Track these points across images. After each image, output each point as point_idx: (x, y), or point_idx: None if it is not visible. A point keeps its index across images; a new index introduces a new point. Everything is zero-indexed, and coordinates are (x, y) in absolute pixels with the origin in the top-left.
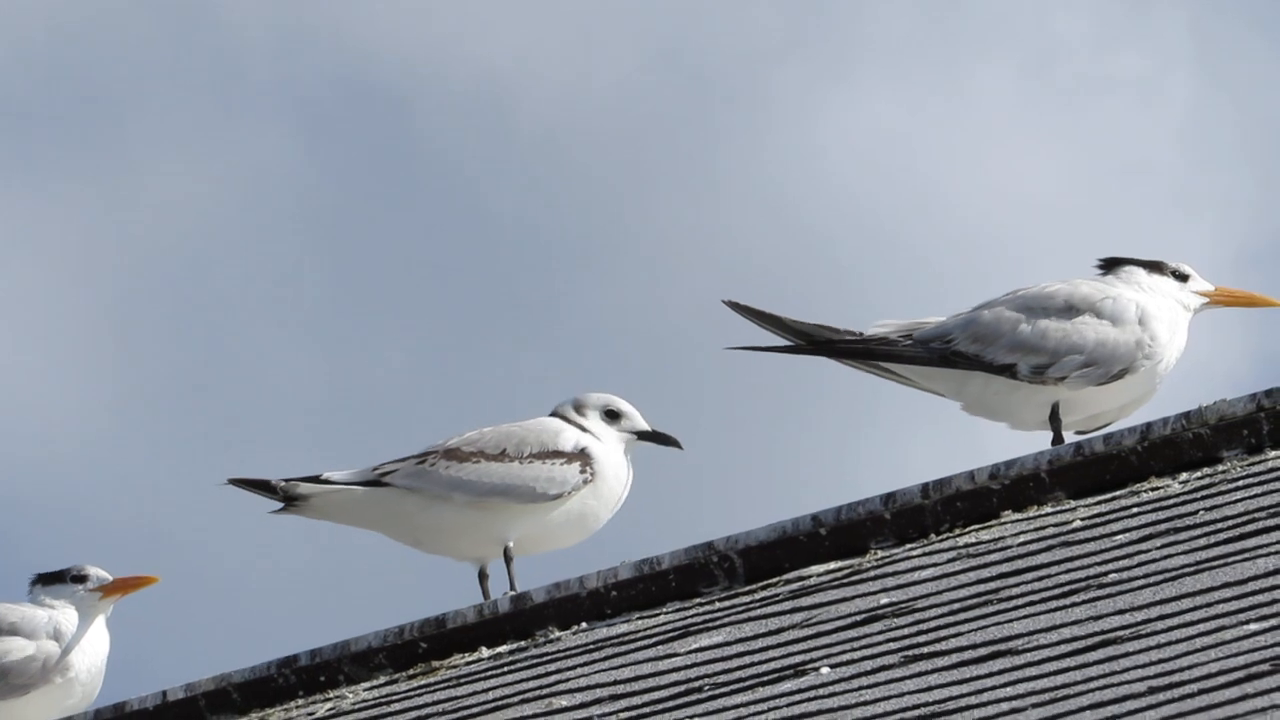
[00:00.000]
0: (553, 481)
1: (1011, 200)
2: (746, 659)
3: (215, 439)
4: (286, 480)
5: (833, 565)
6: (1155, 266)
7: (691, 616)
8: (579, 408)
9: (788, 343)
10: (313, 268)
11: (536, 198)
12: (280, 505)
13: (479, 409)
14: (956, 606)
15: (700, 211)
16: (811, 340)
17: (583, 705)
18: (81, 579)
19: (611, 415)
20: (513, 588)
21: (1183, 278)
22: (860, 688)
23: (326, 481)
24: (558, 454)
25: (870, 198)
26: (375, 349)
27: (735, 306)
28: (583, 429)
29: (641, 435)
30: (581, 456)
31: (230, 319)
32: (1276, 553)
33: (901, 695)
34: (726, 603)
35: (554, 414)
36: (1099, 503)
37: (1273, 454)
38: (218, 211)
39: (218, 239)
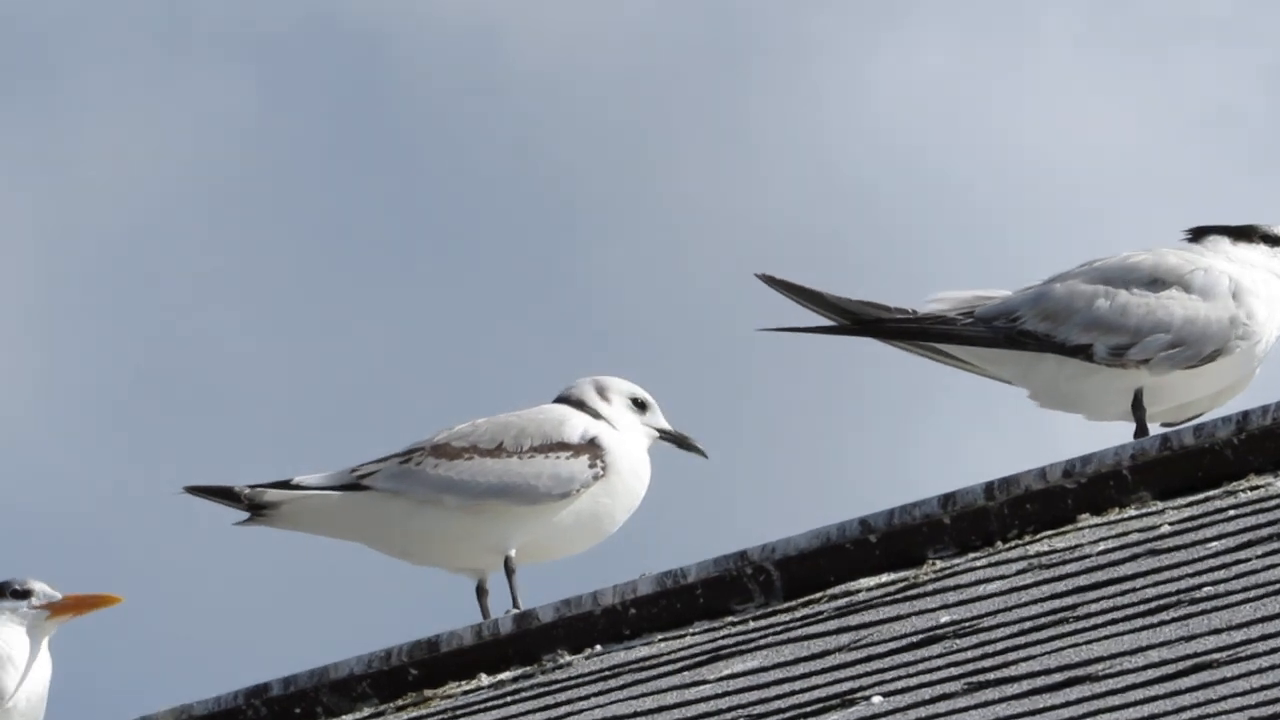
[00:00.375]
0: (558, 478)
1: (1083, 154)
2: (786, 687)
3: (164, 438)
4: (252, 487)
5: (884, 578)
6: (1244, 233)
7: (722, 638)
8: (602, 391)
9: (830, 322)
10: (275, 237)
11: (537, 155)
12: (245, 515)
13: (472, 401)
14: (1027, 625)
15: (731, 172)
16: (857, 319)
17: None
18: (23, 594)
19: (638, 405)
20: (515, 604)
21: (1276, 242)
22: None
23: (298, 487)
24: (563, 446)
25: (925, 154)
26: (350, 332)
27: (770, 281)
28: (595, 415)
29: (664, 435)
30: (591, 448)
31: (179, 298)
32: None
33: None
34: (762, 622)
35: (560, 398)
36: (1190, 504)
37: None
38: (162, 172)
39: (162, 204)
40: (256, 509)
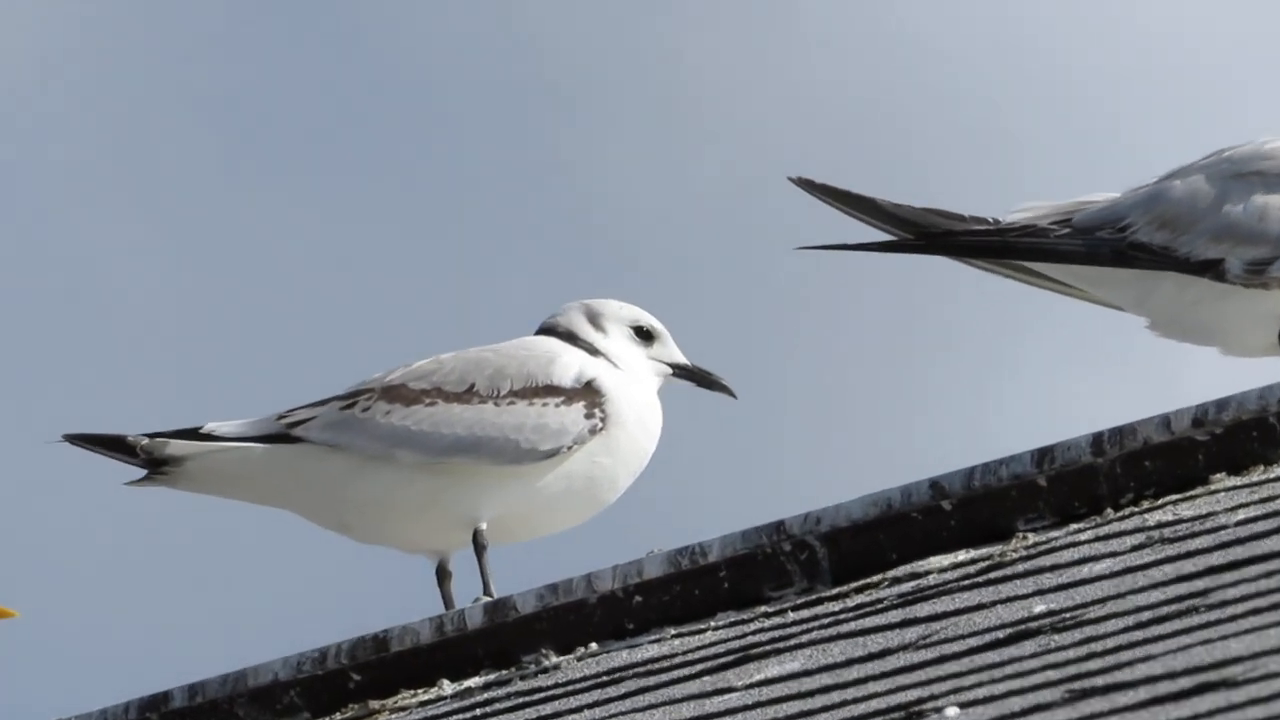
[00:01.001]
0: (544, 431)
1: (1210, 24)
2: (835, 696)
3: (35, 372)
4: (150, 436)
5: (961, 556)
6: None
7: (753, 634)
8: (594, 319)
9: (888, 237)
10: (184, 120)
11: (520, 19)
12: (142, 473)
13: (434, 338)
14: (1146, 617)
15: (763, 42)
16: (922, 232)
17: None
18: None
19: (643, 335)
20: (488, 591)
21: None
22: None
23: (209, 436)
24: (551, 390)
25: (1013, 24)
26: (273, 245)
27: (808, 185)
28: (592, 350)
29: (679, 371)
30: (588, 393)
31: (60, 196)
32: None
33: None
34: (805, 613)
35: (545, 329)
36: None
37: None
38: (46, 42)
39: (25, 77)
40: (155, 465)
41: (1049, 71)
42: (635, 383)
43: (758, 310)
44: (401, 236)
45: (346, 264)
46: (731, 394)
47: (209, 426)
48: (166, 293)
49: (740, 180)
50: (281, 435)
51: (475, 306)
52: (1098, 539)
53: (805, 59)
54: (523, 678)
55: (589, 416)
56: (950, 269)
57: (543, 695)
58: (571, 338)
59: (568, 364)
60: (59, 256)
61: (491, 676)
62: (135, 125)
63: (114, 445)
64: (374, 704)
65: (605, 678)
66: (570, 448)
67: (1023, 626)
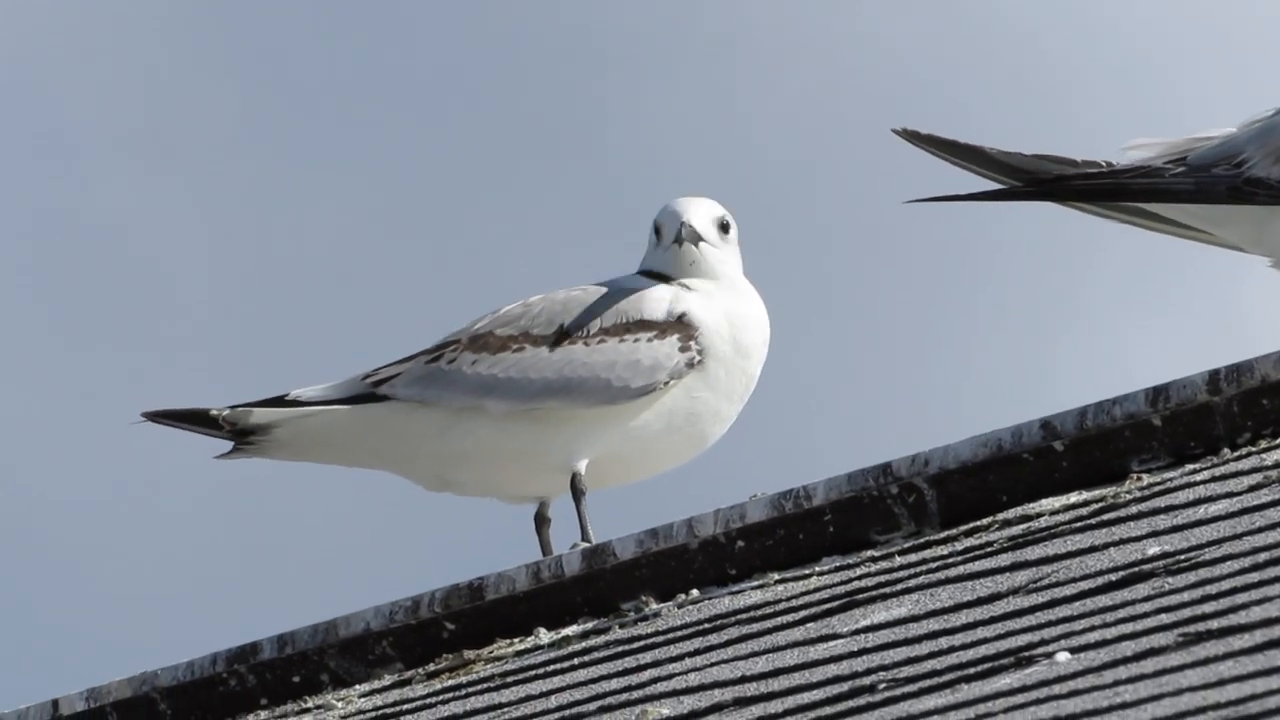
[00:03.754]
0: (638, 368)
1: None
2: (943, 641)
3: (55, 348)
4: (233, 407)
5: (1073, 498)
6: None
7: (859, 579)
8: (657, 230)
9: (1000, 185)
10: (207, 85)
11: None
12: (229, 446)
13: (481, 299)
14: (1263, 559)
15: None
16: (1034, 178)
17: (696, 716)
18: None
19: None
20: (586, 537)
21: None
22: (1116, 682)
23: (294, 403)
24: (644, 325)
25: None
26: (311, 206)
27: (912, 136)
28: (666, 279)
29: (678, 240)
30: (681, 326)
31: (82, 164)
32: None
33: (1179, 694)
34: (912, 556)
35: (643, 272)
36: None
37: None
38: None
39: (59, 43)
40: (241, 435)
41: (1117, 39)
42: (723, 301)
43: (871, 255)
44: (449, 208)
45: (393, 233)
46: (679, 241)
47: (294, 393)
48: (193, 261)
49: (853, 124)
50: (368, 395)
51: (525, 277)
52: (1213, 479)
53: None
54: (621, 626)
55: (684, 350)
56: (1059, 214)
57: (642, 644)
58: (653, 273)
59: (659, 298)
60: (87, 221)
61: (589, 625)
62: (160, 82)
63: (196, 419)
64: (469, 654)
65: (707, 625)
66: (667, 383)
67: (1136, 569)
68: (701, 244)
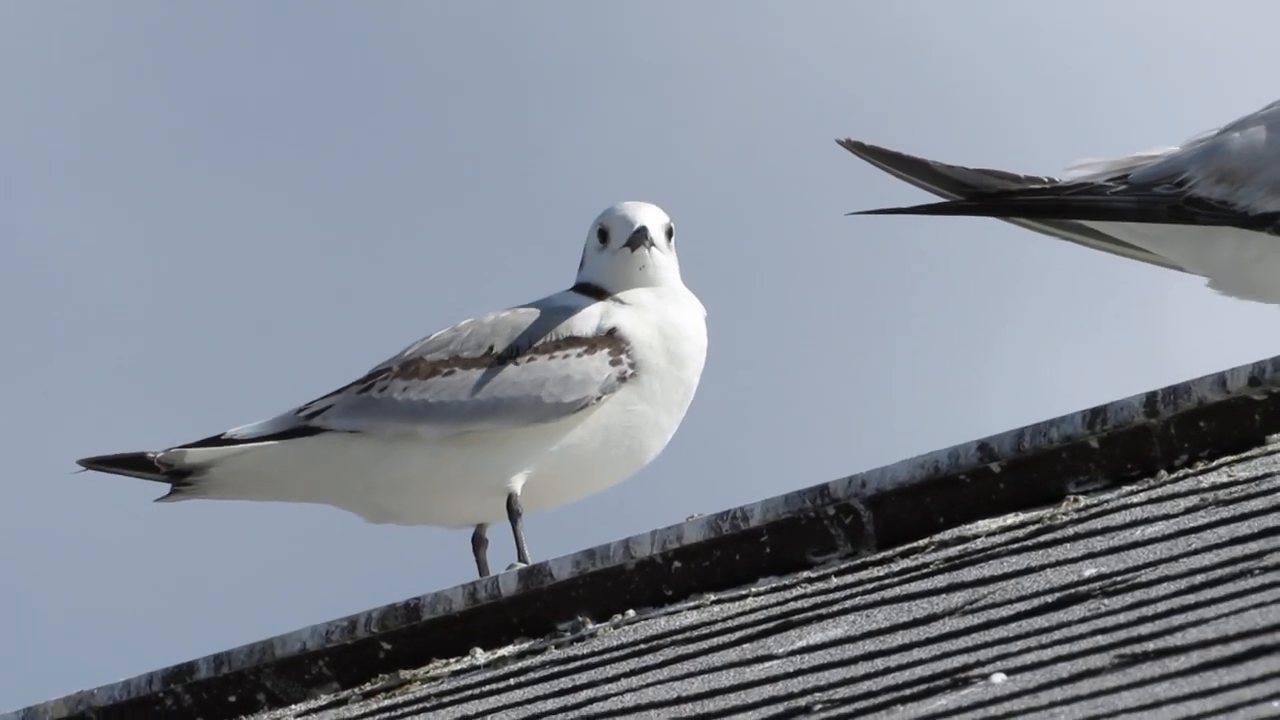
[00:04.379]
0: (568, 383)
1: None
2: (879, 663)
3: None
4: (168, 450)
5: (1010, 519)
6: None
7: (795, 599)
8: (582, 261)
9: (942, 199)
10: (151, 103)
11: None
12: (167, 489)
13: (416, 322)
14: (1199, 581)
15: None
16: (977, 193)
17: None
18: None
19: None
20: (522, 557)
21: None
22: (1052, 704)
23: (229, 441)
24: (573, 341)
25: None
26: (245, 231)
27: (856, 148)
28: (599, 293)
29: (632, 244)
30: (611, 340)
31: (19, 187)
32: None
33: (1115, 715)
34: (849, 578)
35: (577, 286)
36: None
37: None
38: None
39: (17, 73)
40: (179, 476)
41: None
42: (656, 311)
43: (802, 273)
44: (391, 233)
45: (334, 260)
46: (637, 241)
47: (230, 431)
48: (132, 286)
49: (784, 144)
50: (302, 428)
51: (469, 299)
52: (1150, 501)
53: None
54: (558, 646)
55: (615, 364)
56: (998, 229)
57: (578, 664)
58: (587, 287)
59: (588, 314)
60: (22, 248)
61: (526, 645)
62: (103, 102)
63: (133, 464)
64: (405, 674)
65: (643, 645)
66: (599, 398)
67: (1072, 590)
68: (654, 249)
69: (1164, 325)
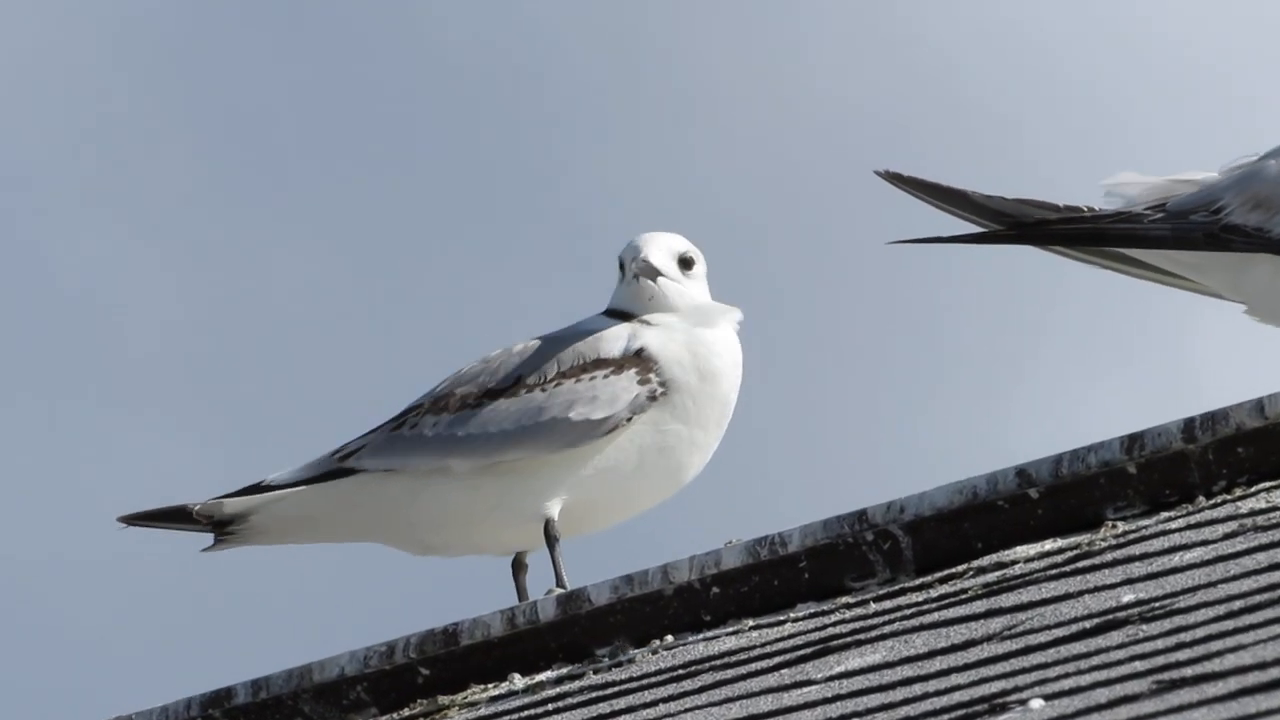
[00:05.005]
0: (596, 404)
1: (1231, 25)
2: (917, 688)
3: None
4: (206, 502)
5: (1049, 545)
6: None
7: (834, 625)
8: (621, 264)
9: (981, 229)
10: (158, 134)
11: (511, 25)
12: (211, 540)
13: (447, 352)
14: (1237, 607)
15: (763, 36)
16: (1016, 222)
17: None
18: None
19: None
20: (560, 583)
21: None
22: None
23: (267, 488)
24: (600, 363)
25: (1042, 34)
26: (271, 261)
27: (895, 179)
28: (627, 316)
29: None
30: (639, 360)
31: (20, 215)
32: None
33: None
34: (887, 604)
35: (608, 312)
36: None
37: None
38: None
39: (13, 92)
40: (220, 527)
41: (1061, 79)
42: (694, 330)
43: (838, 302)
44: (414, 268)
45: (352, 289)
46: (636, 273)
47: (268, 479)
48: (151, 323)
49: (820, 176)
50: (337, 470)
51: (534, 307)
52: (1189, 527)
53: (802, 56)
54: (596, 671)
55: (643, 383)
56: (1037, 259)
57: (616, 689)
58: (616, 312)
59: (615, 336)
60: (28, 278)
61: (564, 670)
62: (109, 132)
63: (174, 517)
64: (443, 699)
65: (681, 671)
66: (629, 419)
67: (1110, 616)
68: (660, 279)
69: (1193, 354)
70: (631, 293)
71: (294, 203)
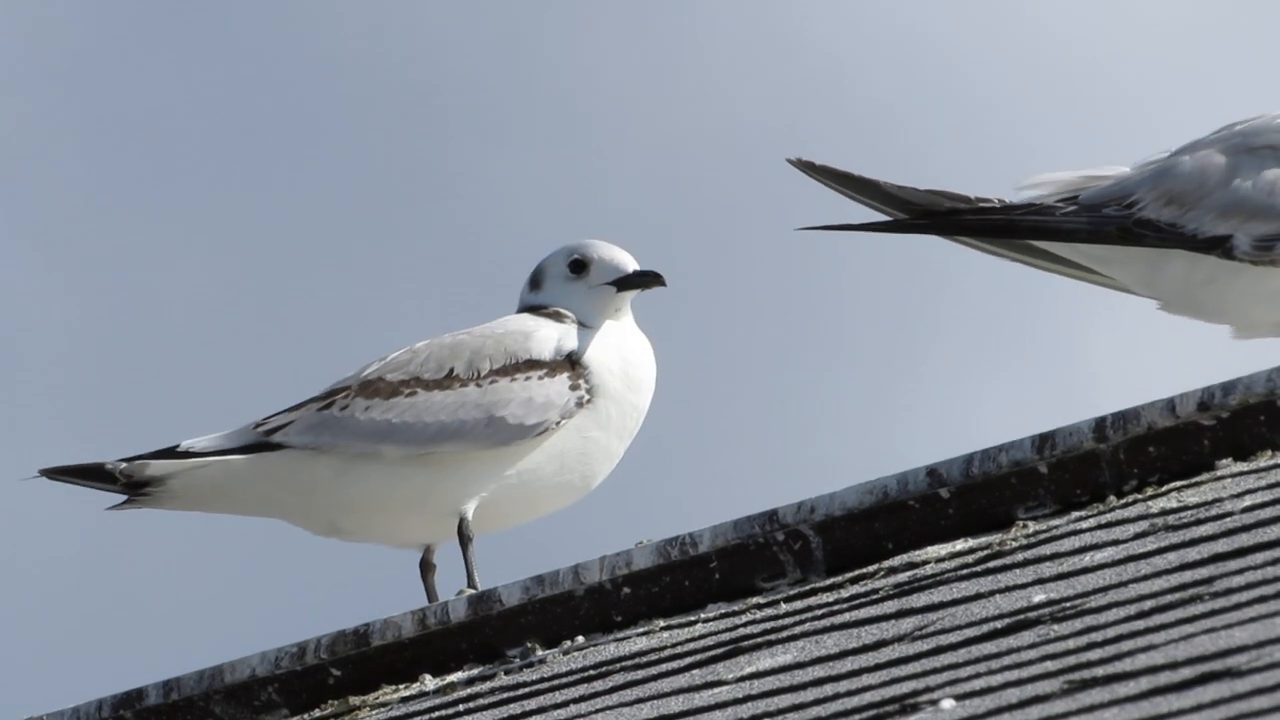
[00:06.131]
0: (530, 406)
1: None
2: (828, 689)
3: None
4: (128, 460)
5: (959, 545)
6: None
7: (745, 625)
8: (535, 282)
9: (890, 217)
10: (66, 137)
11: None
12: (122, 497)
13: (337, 358)
14: (1148, 606)
15: (660, 37)
16: (927, 211)
17: None
18: None
19: (577, 268)
20: (472, 583)
21: None
22: None
23: (187, 454)
24: (533, 364)
25: (922, 29)
26: (166, 268)
27: (807, 167)
28: (558, 316)
29: (623, 285)
30: (569, 365)
31: None
32: None
33: None
34: (798, 604)
35: (522, 303)
36: None
37: None
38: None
39: None
40: (135, 487)
41: (951, 78)
42: (614, 335)
43: (750, 294)
44: (305, 271)
45: (249, 294)
46: (661, 282)
47: (185, 444)
48: (47, 329)
49: (733, 162)
50: (261, 444)
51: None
52: (1100, 527)
53: (803, 38)
54: (507, 672)
55: (574, 388)
56: (948, 250)
57: (528, 690)
58: (535, 309)
59: (545, 337)
60: None
61: (475, 671)
62: (20, 145)
63: (91, 474)
64: (354, 700)
65: (592, 671)
66: (559, 423)
67: (1021, 616)
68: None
69: (1086, 352)
70: (597, 297)
71: (186, 213)
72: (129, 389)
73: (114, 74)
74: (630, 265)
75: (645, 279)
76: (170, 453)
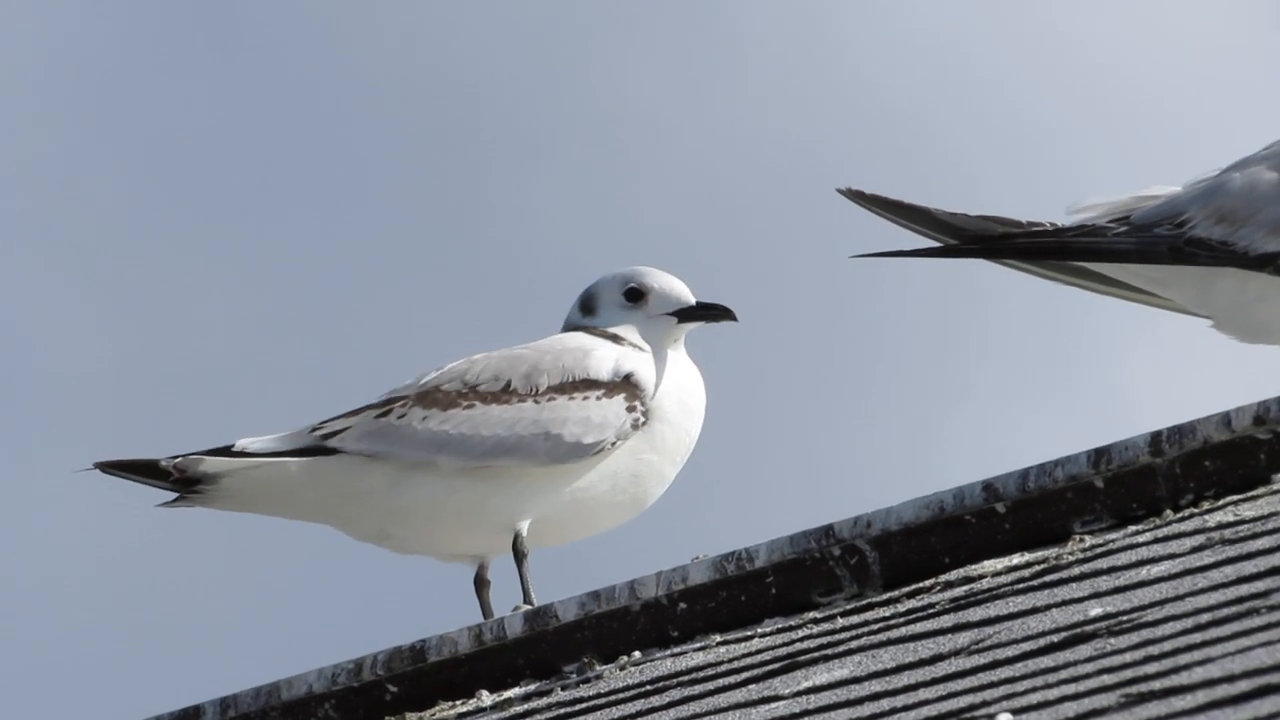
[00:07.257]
0: (588, 425)
1: (1160, 51)
2: (884, 703)
3: None
4: (183, 456)
5: (1016, 559)
6: None
7: (801, 640)
8: (586, 307)
9: (940, 243)
10: (95, 176)
11: (434, 52)
12: (174, 495)
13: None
14: (1205, 620)
15: (706, 71)
16: (978, 236)
17: None
18: None
19: (632, 297)
20: (528, 599)
21: None
22: None
23: (243, 454)
24: (590, 384)
25: (962, 54)
26: (201, 299)
27: (857, 196)
28: (615, 339)
29: (684, 316)
30: (627, 386)
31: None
32: None
33: None
34: (855, 618)
35: (570, 326)
36: None
37: None
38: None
39: None
40: (188, 484)
41: (1002, 105)
42: (666, 360)
43: (795, 318)
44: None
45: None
46: (732, 316)
47: (240, 443)
48: (79, 364)
49: (776, 189)
50: (317, 448)
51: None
52: (1156, 540)
53: (844, 65)
54: (564, 688)
55: (630, 410)
56: (1000, 274)
57: (584, 705)
58: (591, 330)
59: (603, 357)
60: None
61: (532, 687)
62: (35, 170)
63: (145, 470)
64: (411, 716)
65: (649, 687)
66: (614, 443)
67: (1078, 630)
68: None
69: (1125, 376)
70: (656, 327)
71: (222, 240)
72: (160, 418)
73: (146, 99)
74: (689, 296)
75: (713, 312)
76: (225, 451)
